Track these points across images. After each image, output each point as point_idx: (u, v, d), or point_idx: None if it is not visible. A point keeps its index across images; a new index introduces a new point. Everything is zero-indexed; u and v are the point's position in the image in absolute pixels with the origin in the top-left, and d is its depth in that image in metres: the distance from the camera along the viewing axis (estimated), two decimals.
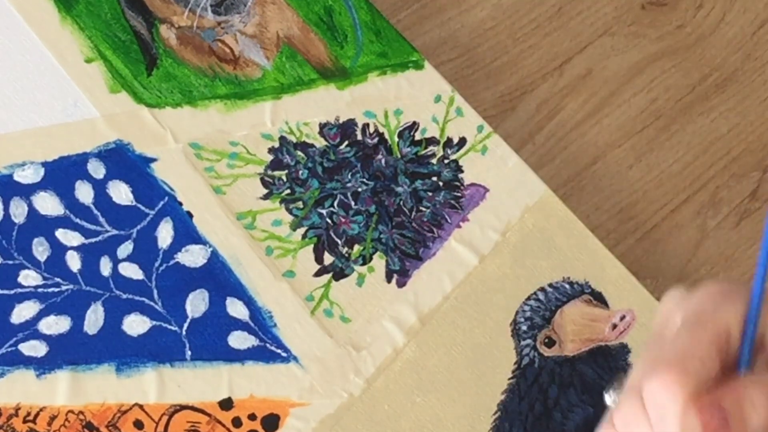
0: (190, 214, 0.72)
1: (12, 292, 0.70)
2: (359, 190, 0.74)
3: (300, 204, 0.74)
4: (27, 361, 0.69)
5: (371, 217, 0.74)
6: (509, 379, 0.72)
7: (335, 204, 0.74)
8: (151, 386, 0.69)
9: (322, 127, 0.75)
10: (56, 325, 0.70)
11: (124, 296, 0.71)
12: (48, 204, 0.72)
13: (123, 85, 0.74)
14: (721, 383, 0.50)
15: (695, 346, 0.49)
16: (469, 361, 0.72)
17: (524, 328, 0.73)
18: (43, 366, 0.69)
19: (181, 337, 0.70)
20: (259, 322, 0.71)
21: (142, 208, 0.72)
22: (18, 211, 0.71)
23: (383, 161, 0.75)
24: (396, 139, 0.76)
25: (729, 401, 0.51)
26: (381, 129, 0.76)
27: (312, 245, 0.73)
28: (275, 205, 0.74)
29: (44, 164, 0.72)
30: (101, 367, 0.69)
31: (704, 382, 0.49)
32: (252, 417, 0.69)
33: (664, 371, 0.49)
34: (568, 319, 0.73)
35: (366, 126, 0.76)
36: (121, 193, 0.72)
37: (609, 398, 0.51)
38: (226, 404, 0.70)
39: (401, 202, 0.75)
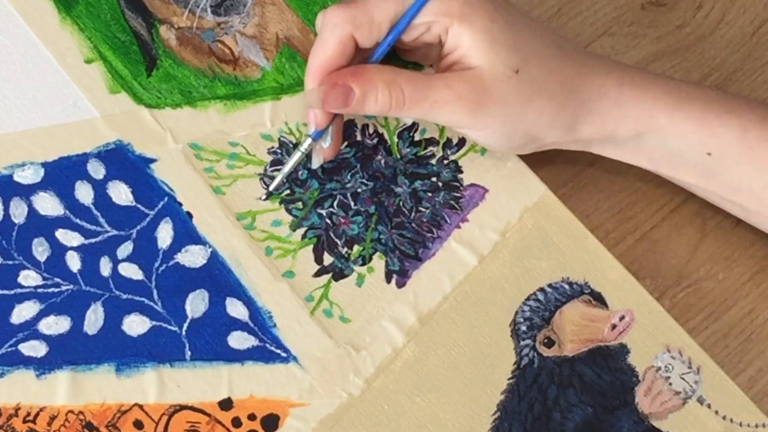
0: (189, 215, 0.72)
1: (12, 292, 0.70)
2: (359, 190, 0.75)
3: (299, 204, 0.74)
4: (27, 361, 0.69)
5: (371, 217, 0.74)
6: (509, 379, 0.72)
7: (335, 204, 0.74)
8: (151, 386, 0.69)
9: None
10: (56, 325, 0.70)
11: (124, 296, 0.71)
12: (48, 204, 0.72)
13: (123, 85, 0.74)
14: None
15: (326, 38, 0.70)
16: (469, 361, 0.72)
17: (523, 328, 0.73)
18: (43, 366, 0.69)
19: (180, 338, 0.70)
20: (259, 323, 0.71)
21: (142, 208, 0.72)
22: (18, 212, 0.71)
23: (383, 162, 0.75)
24: (395, 139, 0.76)
25: (358, 84, 0.69)
26: (380, 129, 0.76)
27: (311, 245, 0.73)
28: (275, 205, 0.74)
29: (44, 164, 0.72)
30: (101, 367, 0.70)
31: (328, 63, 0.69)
32: (252, 417, 0.70)
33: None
34: (568, 320, 0.73)
35: (365, 126, 0.76)
36: (120, 193, 0.72)
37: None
38: (226, 404, 0.70)
39: (401, 203, 0.75)
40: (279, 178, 0.73)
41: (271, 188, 0.73)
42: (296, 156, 0.72)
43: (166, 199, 0.73)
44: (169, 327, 0.71)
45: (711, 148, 0.71)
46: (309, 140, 0.72)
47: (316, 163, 0.73)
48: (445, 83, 0.69)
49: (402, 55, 0.75)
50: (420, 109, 0.69)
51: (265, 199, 0.73)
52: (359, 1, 0.70)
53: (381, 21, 0.69)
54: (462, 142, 0.77)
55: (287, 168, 0.73)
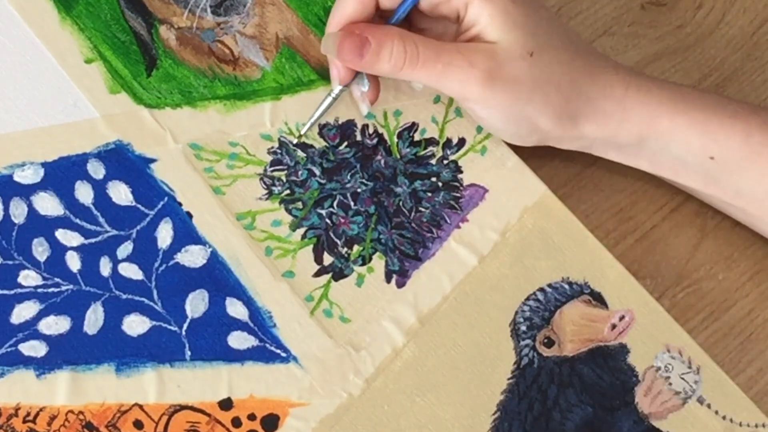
0: (189, 215, 0.73)
1: (12, 292, 0.70)
2: (359, 190, 0.75)
3: (299, 204, 0.74)
4: (27, 361, 0.69)
5: (371, 217, 0.74)
6: (508, 379, 0.72)
7: (335, 204, 0.74)
8: (151, 386, 0.69)
9: (322, 127, 0.75)
10: (56, 325, 0.70)
11: (124, 296, 0.71)
12: (48, 204, 0.72)
13: (123, 85, 0.74)
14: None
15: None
16: (469, 361, 0.72)
17: (523, 328, 0.73)
18: (43, 366, 0.69)
19: (180, 338, 0.70)
20: (259, 323, 0.71)
21: (142, 208, 0.72)
22: (18, 212, 0.71)
23: (382, 162, 0.75)
24: (395, 139, 0.76)
25: (375, 36, 0.69)
26: (380, 130, 0.76)
27: (311, 245, 0.73)
28: (275, 205, 0.74)
29: (44, 164, 0.72)
30: (101, 367, 0.70)
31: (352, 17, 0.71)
32: (251, 417, 0.70)
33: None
34: (568, 320, 0.73)
35: (365, 127, 0.76)
36: (120, 193, 0.72)
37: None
38: (226, 404, 0.70)
39: (400, 203, 0.75)
40: (309, 123, 0.74)
41: (303, 131, 0.75)
42: (327, 101, 0.74)
43: (166, 199, 0.73)
44: (169, 327, 0.71)
45: (714, 152, 0.71)
46: (339, 87, 0.73)
47: (365, 110, 0.75)
48: (457, 49, 0.69)
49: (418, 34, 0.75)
50: (433, 69, 0.69)
51: (296, 145, 0.74)
52: None
53: None
54: (462, 142, 0.77)
55: (319, 112, 0.74)
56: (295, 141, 0.75)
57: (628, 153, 0.73)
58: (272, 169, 0.74)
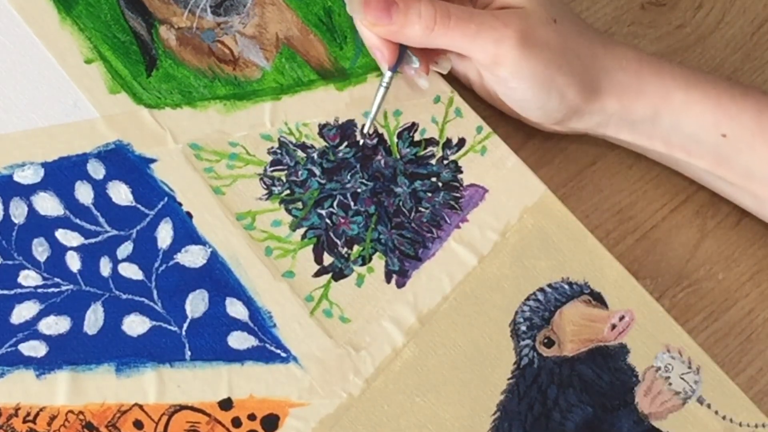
0: (189, 215, 0.73)
1: (12, 292, 0.70)
2: (359, 190, 0.75)
3: (299, 204, 0.74)
4: (27, 361, 0.69)
5: (370, 217, 0.74)
6: (508, 379, 0.72)
7: (335, 204, 0.74)
8: (151, 386, 0.69)
9: (322, 127, 0.75)
10: (56, 325, 0.70)
11: (124, 296, 0.71)
12: (48, 204, 0.72)
13: (122, 85, 0.75)
14: None
15: None
16: (469, 362, 0.72)
17: (523, 328, 0.73)
18: (43, 366, 0.69)
19: (180, 338, 0.70)
20: (259, 323, 0.71)
21: (142, 208, 0.72)
22: (18, 212, 0.71)
23: (382, 162, 0.75)
24: (395, 139, 0.76)
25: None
26: (380, 130, 0.76)
27: (311, 246, 0.73)
28: (275, 205, 0.74)
29: (44, 165, 0.72)
30: (101, 367, 0.70)
31: None
32: (251, 417, 0.70)
33: None
34: (567, 320, 0.73)
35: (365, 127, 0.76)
36: (120, 193, 0.72)
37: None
38: (226, 404, 0.70)
39: (400, 203, 0.75)
40: (370, 117, 0.74)
41: (365, 131, 0.74)
42: (381, 91, 0.73)
43: (165, 199, 0.73)
44: (169, 327, 0.71)
45: (726, 129, 0.72)
46: (389, 73, 0.73)
47: (424, 84, 0.74)
48: (490, 12, 0.70)
49: None
50: (466, 29, 0.69)
51: (362, 144, 0.74)
52: None
53: None
54: (462, 142, 0.77)
55: (375, 105, 0.74)
56: (361, 140, 0.74)
57: (642, 131, 0.73)
58: (272, 169, 0.74)
